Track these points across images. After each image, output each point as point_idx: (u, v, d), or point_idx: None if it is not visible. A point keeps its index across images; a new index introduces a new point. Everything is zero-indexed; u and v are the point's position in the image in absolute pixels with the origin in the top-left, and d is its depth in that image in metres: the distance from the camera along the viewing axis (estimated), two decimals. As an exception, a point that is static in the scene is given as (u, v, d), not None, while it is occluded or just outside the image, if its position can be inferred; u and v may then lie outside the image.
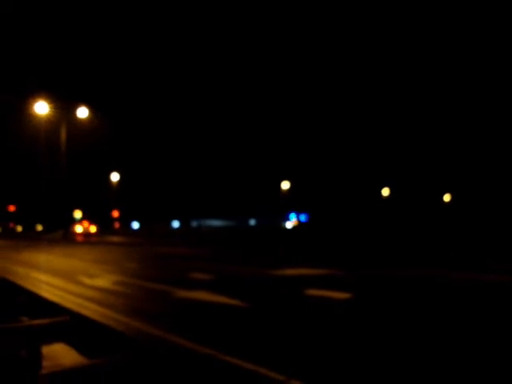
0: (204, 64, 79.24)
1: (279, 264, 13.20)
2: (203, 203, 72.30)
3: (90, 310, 6.91)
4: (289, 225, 67.26)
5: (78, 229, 50.56)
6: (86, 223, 55.52)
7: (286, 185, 73.26)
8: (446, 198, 67.42)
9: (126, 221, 71.26)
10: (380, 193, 71.11)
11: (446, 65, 62.30)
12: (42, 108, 38.48)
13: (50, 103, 39.21)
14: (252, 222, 74.38)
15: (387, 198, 71.50)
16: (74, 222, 51.10)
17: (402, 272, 10.80)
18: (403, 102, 61.38)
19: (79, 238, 43.85)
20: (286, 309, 7.11)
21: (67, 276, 11.80)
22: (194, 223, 74.04)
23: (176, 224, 74.68)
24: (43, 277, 12.03)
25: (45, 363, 3.89)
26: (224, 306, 7.21)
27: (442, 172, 62.50)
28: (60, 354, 4.27)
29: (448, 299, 7.40)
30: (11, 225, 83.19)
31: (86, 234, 51.33)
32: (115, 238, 40.02)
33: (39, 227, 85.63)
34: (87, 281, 10.71)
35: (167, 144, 70.95)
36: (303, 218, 71.37)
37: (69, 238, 43.98)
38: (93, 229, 57.34)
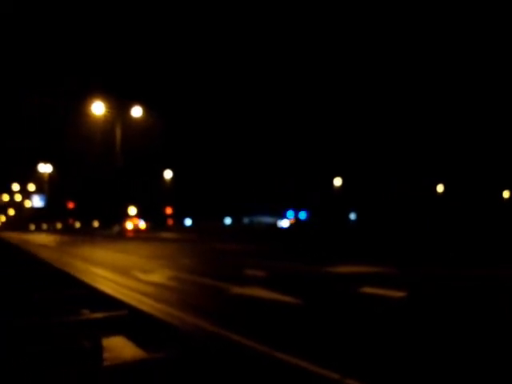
0: (256, 62, 79.44)
1: (331, 261, 13.10)
2: (255, 200, 72.57)
3: (145, 304, 7.03)
4: (285, 223, 65.91)
5: (129, 225, 51.77)
6: (135, 219, 56.79)
7: (338, 181, 72.67)
8: (506, 194, 65.25)
9: (179, 218, 72.36)
10: (434, 189, 69.55)
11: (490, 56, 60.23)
12: (98, 108, 39.59)
13: (105, 103, 40.28)
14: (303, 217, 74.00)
15: (442, 194, 69.85)
16: (126, 218, 52.32)
17: (459, 272, 10.52)
18: (460, 96, 59.76)
19: (129, 234, 44.90)
20: (339, 306, 7.05)
21: (123, 271, 12.09)
22: (246, 220, 74.40)
23: (228, 221, 75.28)
24: (100, 271, 12.36)
25: (105, 355, 4.00)
26: (278, 303, 7.21)
27: (502, 168, 60.52)
28: (119, 347, 4.37)
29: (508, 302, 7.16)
30: (70, 221, 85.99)
31: (136, 230, 52.52)
32: (167, 234, 40.71)
33: (96, 223, 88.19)
34: (142, 276, 10.92)
35: (220, 142, 71.58)
36: (303, 215, 70.23)
37: (121, 234, 45.07)
38: (143, 225, 58.63)
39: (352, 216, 71.26)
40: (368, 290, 8.05)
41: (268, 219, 71.72)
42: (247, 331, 5.30)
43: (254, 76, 77.51)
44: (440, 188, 70.03)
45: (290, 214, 68.74)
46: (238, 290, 8.48)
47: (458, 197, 63.33)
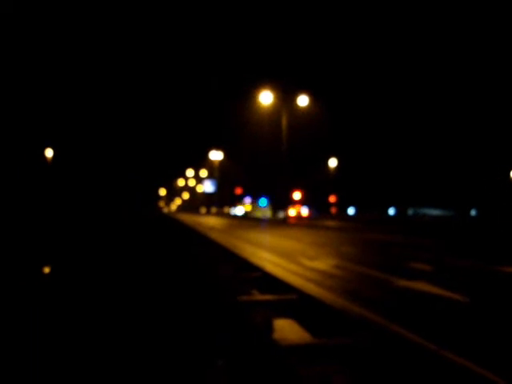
0: (412, 52, 76.11)
1: (506, 260, 12.23)
2: (421, 191, 69.98)
3: (310, 290, 7.22)
4: (239, 211, 65.50)
5: (291, 212, 53.04)
6: (298, 207, 58.04)
7: (514, 174, 67.16)
8: None
9: (342, 206, 72.38)
10: None
11: None
12: (266, 98, 40.98)
13: (273, 92, 41.53)
14: (473, 212, 69.80)
15: None
16: (290, 205, 53.70)
17: None
18: None
19: (292, 221, 45.99)
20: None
21: (288, 256, 12.49)
22: (411, 211, 72.11)
23: (392, 211, 73.62)
24: (266, 255, 12.91)
25: (275, 335, 4.23)
26: (445, 300, 6.97)
27: None
28: (288, 329, 4.58)
29: None
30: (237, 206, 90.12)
31: (299, 217, 53.67)
32: (330, 222, 40.93)
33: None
34: (307, 262, 11.20)
35: (386, 131, 69.96)
36: (263, 202, 68.35)
37: (285, 221, 46.40)
38: (305, 213, 59.80)
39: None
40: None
41: (434, 211, 68.83)
42: (413, 326, 5.23)
43: (424, 64, 74.19)
44: None
45: (264, 201, 69.45)
46: (403, 282, 8.34)
47: None
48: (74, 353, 3.93)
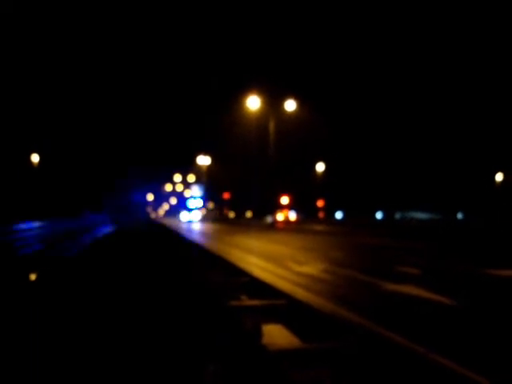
0: (411, 54, 76.63)
1: (496, 263, 12.29)
2: (408, 195, 70.36)
3: (299, 295, 7.20)
4: (195, 217, 68.13)
5: (279, 217, 53.15)
6: (286, 211, 58.14)
7: (500, 177, 67.92)
8: None
9: (330, 210, 72.56)
10: None
11: None
12: (254, 102, 41.07)
13: (260, 97, 41.62)
14: (459, 215, 70.37)
15: None
16: (278, 209, 53.71)
17: None
18: None
19: (280, 225, 46.00)
20: (503, 313, 6.61)
21: (276, 261, 12.47)
22: (398, 215, 72.48)
23: (379, 215, 73.96)
24: (255, 260, 12.87)
25: (264, 340, 4.20)
26: (433, 304, 6.98)
27: None
28: (277, 334, 4.55)
29: None
30: (225, 211, 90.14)
31: (287, 221, 53.78)
32: (318, 227, 40.99)
33: (249, 214, 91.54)
34: (295, 267, 11.18)
35: (373, 135, 70.30)
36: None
37: (273, 225, 46.41)
38: (293, 217, 59.96)
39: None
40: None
41: (421, 215, 69.27)
42: (402, 329, 5.23)
43: (414, 66, 74.69)
44: None
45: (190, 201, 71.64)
46: (391, 286, 8.35)
47: None
48: (58, 369, 3.88)
